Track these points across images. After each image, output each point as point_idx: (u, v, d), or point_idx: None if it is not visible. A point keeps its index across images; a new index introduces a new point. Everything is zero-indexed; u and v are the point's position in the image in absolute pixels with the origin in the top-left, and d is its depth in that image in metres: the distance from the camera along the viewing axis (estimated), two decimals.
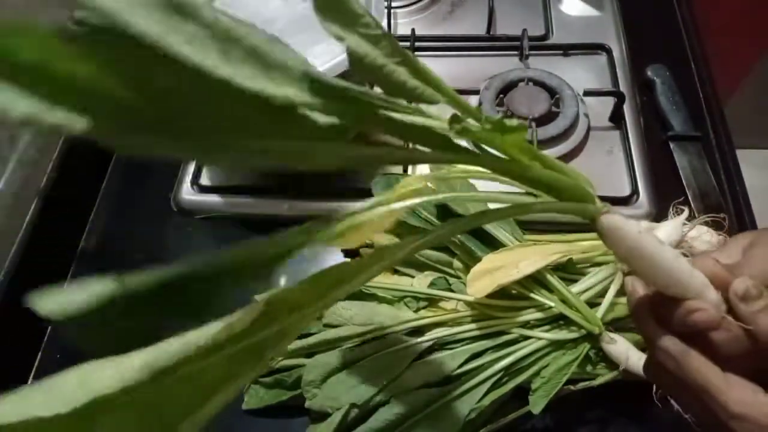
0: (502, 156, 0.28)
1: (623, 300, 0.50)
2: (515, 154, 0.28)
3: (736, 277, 0.33)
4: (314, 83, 0.21)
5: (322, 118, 0.21)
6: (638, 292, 0.36)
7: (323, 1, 0.23)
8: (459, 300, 0.53)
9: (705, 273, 0.33)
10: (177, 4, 0.18)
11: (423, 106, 0.27)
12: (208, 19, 0.19)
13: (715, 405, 0.32)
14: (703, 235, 0.54)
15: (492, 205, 0.33)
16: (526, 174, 0.29)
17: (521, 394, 0.50)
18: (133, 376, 0.17)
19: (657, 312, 0.35)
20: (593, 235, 0.57)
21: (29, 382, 0.57)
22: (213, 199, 0.64)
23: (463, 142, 0.26)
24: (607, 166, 0.65)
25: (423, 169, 0.64)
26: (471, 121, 0.26)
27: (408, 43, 0.74)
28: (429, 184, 0.51)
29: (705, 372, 0.32)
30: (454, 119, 0.24)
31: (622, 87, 0.69)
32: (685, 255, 0.34)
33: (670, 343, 0.33)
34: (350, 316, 0.52)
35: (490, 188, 0.49)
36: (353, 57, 0.23)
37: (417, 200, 0.30)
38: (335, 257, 0.61)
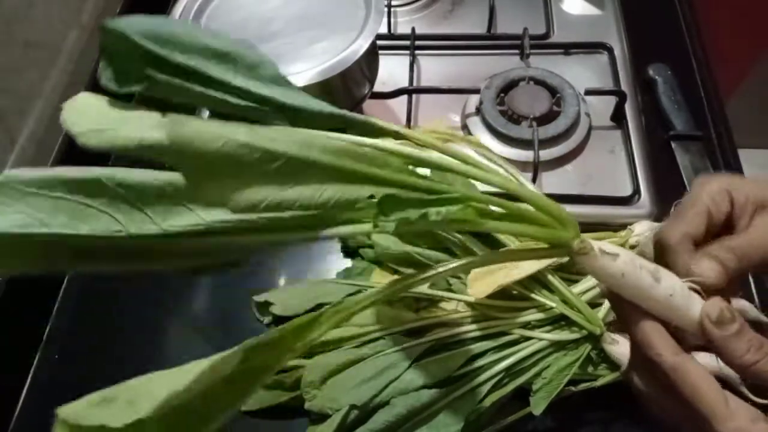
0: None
1: None
2: (468, 220, 0.28)
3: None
4: None
5: None
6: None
7: None
8: (459, 300, 0.52)
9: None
10: None
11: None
12: None
13: (710, 430, 0.30)
14: None
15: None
16: (488, 229, 0.30)
17: (522, 395, 0.50)
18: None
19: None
20: (594, 235, 0.57)
21: (27, 382, 0.57)
22: None
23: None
24: (609, 165, 0.64)
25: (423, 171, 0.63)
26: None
27: (408, 42, 0.74)
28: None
29: (703, 387, 0.31)
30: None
31: (624, 86, 0.69)
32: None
33: (667, 351, 0.32)
34: None
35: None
36: None
37: None
38: (334, 256, 0.61)
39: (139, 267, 0.23)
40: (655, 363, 0.32)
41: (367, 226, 0.26)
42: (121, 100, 0.25)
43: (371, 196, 0.25)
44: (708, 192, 0.35)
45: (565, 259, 0.51)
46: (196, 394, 0.23)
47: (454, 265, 0.31)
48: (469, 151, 0.50)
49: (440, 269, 0.31)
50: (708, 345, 0.32)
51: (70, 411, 0.22)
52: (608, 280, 0.33)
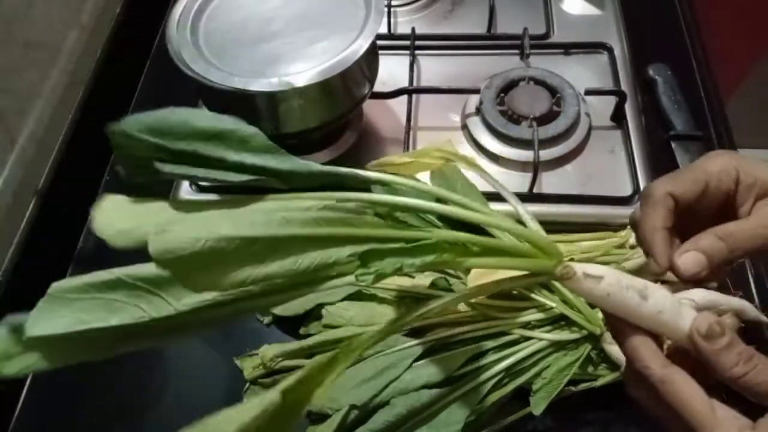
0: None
1: None
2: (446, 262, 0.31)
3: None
4: None
5: None
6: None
7: None
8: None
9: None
10: None
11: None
12: None
13: None
14: None
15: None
16: (468, 266, 0.32)
17: (522, 395, 0.50)
18: None
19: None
20: (594, 235, 0.57)
21: (27, 382, 0.57)
22: (212, 198, 0.64)
23: None
24: (609, 165, 0.64)
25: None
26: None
27: (408, 42, 0.74)
28: (428, 182, 0.51)
29: (690, 398, 0.31)
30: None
31: (624, 86, 0.69)
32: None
33: (655, 364, 0.32)
34: (350, 316, 0.52)
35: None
36: None
37: None
38: None
39: (167, 341, 0.26)
40: (644, 375, 0.33)
41: (350, 278, 0.28)
42: (141, 199, 0.28)
43: (352, 255, 0.27)
44: (713, 164, 0.35)
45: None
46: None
47: (444, 300, 0.34)
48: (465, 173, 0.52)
49: (432, 305, 0.33)
50: (698, 358, 0.32)
51: None
52: (594, 300, 0.34)
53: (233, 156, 0.27)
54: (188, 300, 0.24)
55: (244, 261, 0.25)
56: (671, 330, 0.33)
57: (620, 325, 0.34)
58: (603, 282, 0.33)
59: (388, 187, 0.33)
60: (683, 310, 0.33)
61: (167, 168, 0.27)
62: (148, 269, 0.24)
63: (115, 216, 0.26)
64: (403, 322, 0.33)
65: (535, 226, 0.36)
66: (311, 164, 0.30)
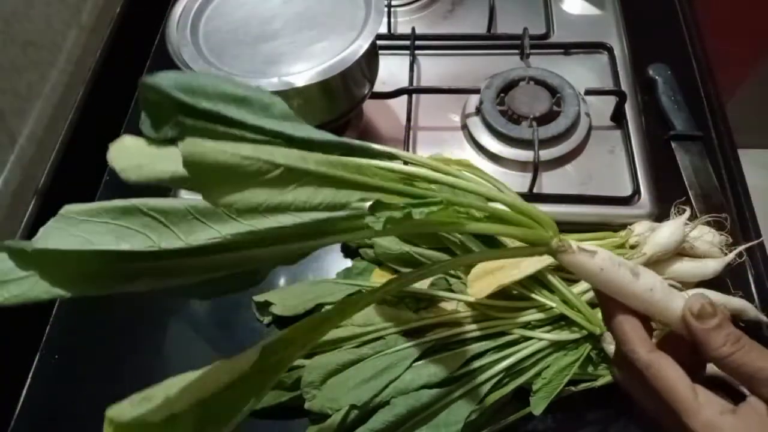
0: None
1: None
2: (449, 222, 0.32)
3: None
4: None
5: None
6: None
7: None
8: (459, 300, 0.52)
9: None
10: None
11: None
12: None
13: (681, 423, 0.32)
14: (704, 235, 0.54)
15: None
16: (471, 230, 0.34)
17: (522, 395, 0.50)
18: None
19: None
20: (594, 235, 0.57)
21: (27, 382, 0.57)
22: None
23: None
24: (609, 165, 0.64)
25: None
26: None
27: (408, 42, 0.74)
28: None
29: (674, 382, 0.32)
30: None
31: (624, 86, 0.69)
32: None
33: (642, 348, 0.34)
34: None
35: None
36: None
37: None
38: (334, 256, 0.61)
39: (172, 282, 0.26)
40: (631, 359, 0.34)
41: (362, 233, 0.29)
42: (159, 144, 0.29)
43: (362, 200, 0.28)
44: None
45: None
46: (221, 390, 0.27)
47: (441, 264, 0.36)
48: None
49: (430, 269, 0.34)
50: (689, 338, 0.34)
51: (115, 411, 0.25)
52: (588, 276, 0.35)
53: (253, 120, 0.28)
54: (198, 236, 0.24)
55: (263, 185, 0.25)
56: (662, 309, 0.34)
57: (611, 306, 0.35)
58: (597, 257, 0.34)
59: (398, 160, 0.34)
60: (674, 291, 0.35)
61: (189, 122, 0.27)
62: (164, 201, 0.24)
63: (131, 152, 0.26)
64: (391, 288, 0.35)
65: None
66: (326, 133, 0.30)
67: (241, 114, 0.28)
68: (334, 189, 0.27)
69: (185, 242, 0.24)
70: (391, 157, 0.33)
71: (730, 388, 0.35)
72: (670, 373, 0.33)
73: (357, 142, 0.32)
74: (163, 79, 0.27)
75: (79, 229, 0.23)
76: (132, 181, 0.25)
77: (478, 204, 0.33)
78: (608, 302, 0.36)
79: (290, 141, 0.29)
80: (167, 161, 0.26)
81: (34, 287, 0.23)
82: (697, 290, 0.52)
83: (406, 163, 0.33)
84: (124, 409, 0.25)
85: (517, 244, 0.36)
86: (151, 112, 0.28)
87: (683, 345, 0.34)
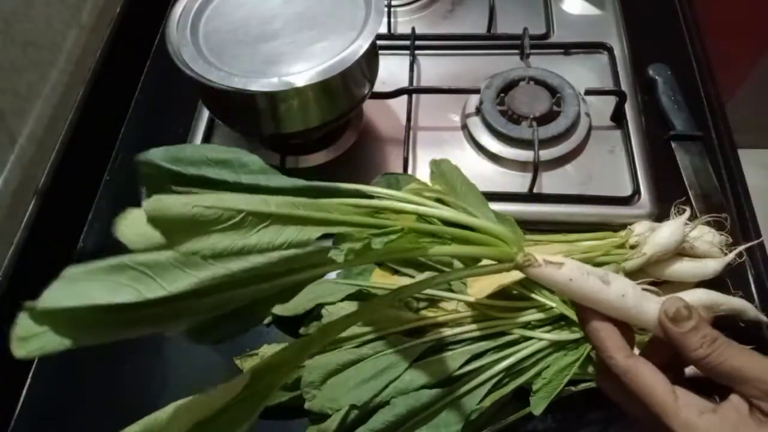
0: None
1: None
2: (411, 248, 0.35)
3: None
4: None
5: None
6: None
7: None
8: (459, 300, 0.52)
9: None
10: None
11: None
12: None
13: (662, 425, 0.32)
14: (704, 235, 0.54)
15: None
16: (434, 253, 0.36)
17: (522, 395, 0.50)
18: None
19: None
20: (594, 235, 0.57)
21: (27, 382, 0.57)
22: None
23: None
24: (609, 165, 0.64)
25: (423, 170, 0.63)
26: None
27: (408, 42, 0.74)
28: (429, 184, 0.51)
29: (652, 386, 0.33)
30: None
31: (624, 86, 0.69)
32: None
33: (619, 354, 0.34)
34: None
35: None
36: None
37: None
38: None
39: (169, 327, 0.30)
40: (608, 365, 0.34)
41: (328, 267, 0.32)
42: None
43: (324, 236, 0.30)
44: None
45: None
46: (217, 412, 0.30)
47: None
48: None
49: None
50: (666, 340, 0.34)
51: None
52: (558, 287, 0.36)
53: (233, 177, 0.32)
54: (178, 284, 0.26)
55: (227, 230, 0.28)
56: (636, 314, 0.34)
57: (586, 314, 0.36)
58: (564, 268, 0.35)
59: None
60: (647, 295, 0.35)
61: (181, 190, 0.31)
62: (147, 255, 0.27)
63: (136, 223, 0.29)
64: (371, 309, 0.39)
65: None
66: (297, 180, 0.34)
67: (222, 174, 0.32)
68: (298, 227, 0.30)
69: (167, 291, 0.26)
70: (359, 194, 0.35)
71: (721, 387, 0.35)
72: (647, 377, 0.33)
73: (325, 184, 0.35)
74: (155, 154, 0.32)
75: (78, 287, 0.26)
76: (140, 250, 0.28)
77: (440, 228, 0.36)
78: (584, 311, 0.36)
79: (266, 191, 0.32)
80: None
81: (49, 341, 0.25)
82: (696, 289, 0.53)
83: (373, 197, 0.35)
84: None
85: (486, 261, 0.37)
86: (148, 184, 0.32)
87: (666, 347, 0.35)
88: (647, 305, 0.34)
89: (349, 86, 0.60)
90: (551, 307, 0.50)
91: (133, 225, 0.29)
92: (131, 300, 0.26)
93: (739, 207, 0.63)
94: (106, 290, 0.26)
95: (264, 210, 0.29)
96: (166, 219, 0.26)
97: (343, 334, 0.51)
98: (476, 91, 0.68)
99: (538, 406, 0.48)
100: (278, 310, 0.55)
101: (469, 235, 0.36)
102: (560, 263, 0.35)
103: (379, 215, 0.34)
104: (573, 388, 0.50)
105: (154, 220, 0.26)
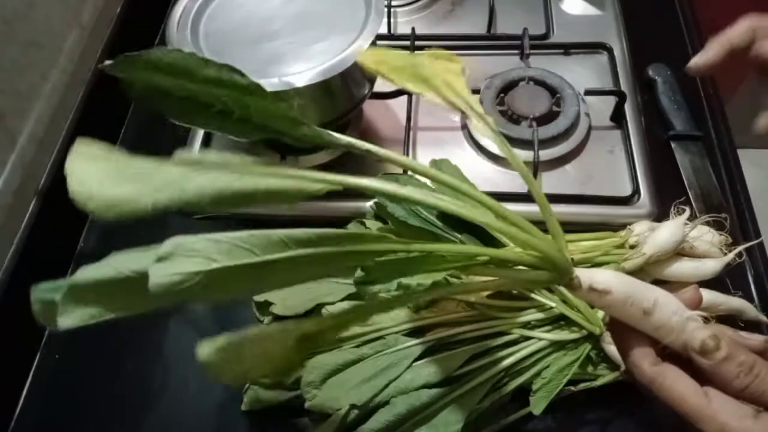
0: None
1: None
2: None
3: None
4: None
5: None
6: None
7: None
8: (459, 300, 0.52)
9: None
10: None
11: None
12: None
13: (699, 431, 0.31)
14: (704, 235, 0.54)
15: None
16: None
17: (522, 395, 0.50)
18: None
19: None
20: (594, 235, 0.57)
21: (27, 382, 0.57)
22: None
23: None
24: (608, 165, 0.64)
25: None
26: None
27: (408, 42, 0.74)
28: (428, 182, 0.51)
29: (681, 392, 0.31)
30: None
31: (624, 86, 0.69)
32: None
33: (644, 362, 0.32)
34: None
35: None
36: None
37: None
38: None
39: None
40: (634, 374, 0.33)
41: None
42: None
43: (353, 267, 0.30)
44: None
45: None
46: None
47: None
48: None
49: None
50: (701, 373, 0.32)
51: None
52: (595, 305, 0.35)
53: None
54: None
55: (242, 280, 0.27)
56: (671, 342, 0.33)
57: (617, 325, 0.34)
58: (607, 298, 0.33)
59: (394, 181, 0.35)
60: (687, 324, 0.32)
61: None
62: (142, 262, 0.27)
63: (96, 178, 0.27)
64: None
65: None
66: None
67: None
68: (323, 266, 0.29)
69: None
70: (390, 160, 0.35)
71: None
72: (676, 384, 0.31)
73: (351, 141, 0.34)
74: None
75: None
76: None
77: (485, 250, 0.35)
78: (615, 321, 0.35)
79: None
80: (144, 184, 0.29)
81: (86, 311, 0.27)
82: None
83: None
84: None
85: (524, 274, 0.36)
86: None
87: None
88: (685, 335, 0.32)
89: (349, 86, 0.60)
90: (551, 307, 0.51)
91: (92, 179, 0.28)
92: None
93: (738, 207, 0.63)
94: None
95: (284, 256, 0.28)
96: (175, 293, 0.26)
97: (343, 334, 0.51)
98: (476, 92, 0.68)
99: (537, 405, 0.48)
100: (278, 310, 0.55)
101: (510, 257, 0.34)
102: (606, 291, 0.33)
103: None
104: (573, 388, 0.50)
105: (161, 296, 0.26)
